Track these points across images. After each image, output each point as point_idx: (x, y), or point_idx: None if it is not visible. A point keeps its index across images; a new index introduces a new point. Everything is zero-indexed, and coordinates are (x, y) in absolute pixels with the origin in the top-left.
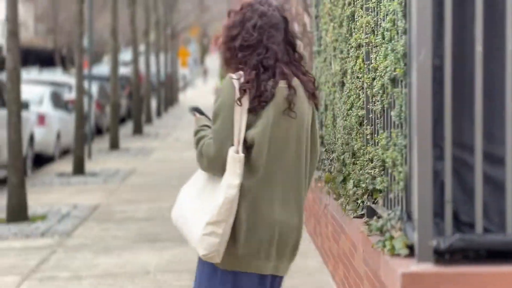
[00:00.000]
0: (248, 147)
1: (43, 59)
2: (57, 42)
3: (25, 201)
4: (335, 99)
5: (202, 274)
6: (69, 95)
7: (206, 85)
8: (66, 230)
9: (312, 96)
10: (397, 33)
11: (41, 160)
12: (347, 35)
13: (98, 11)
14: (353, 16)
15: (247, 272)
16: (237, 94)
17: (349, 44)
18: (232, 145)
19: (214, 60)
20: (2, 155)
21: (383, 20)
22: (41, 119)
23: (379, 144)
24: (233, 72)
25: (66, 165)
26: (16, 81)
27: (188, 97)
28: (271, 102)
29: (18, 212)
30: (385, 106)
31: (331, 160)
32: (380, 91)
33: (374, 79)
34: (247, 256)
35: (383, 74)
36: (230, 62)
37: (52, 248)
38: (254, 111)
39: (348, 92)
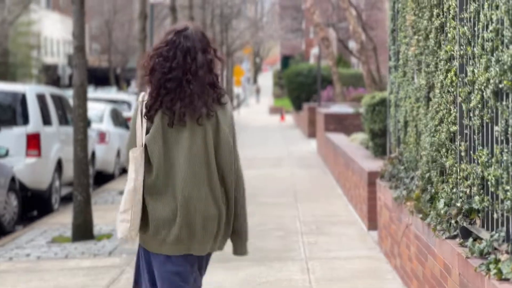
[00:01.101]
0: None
1: (97, 78)
2: (111, 61)
3: (91, 219)
4: (419, 115)
5: (137, 253)
6: (128, 113)
7: (259, 104)
8: (133, 249)
9: (208, 110)
10: (502, 43)
11: (101, 178)
12: (434, 48)
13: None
14: (442, 27)
15: (154, 253)
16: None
17: (437, 57)
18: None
19: (266, 79)
20: (67, 173)
21: (485, 30)
22: (102, 136)
23: (478, 161)
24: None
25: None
26: (83, 97)
27: (242, 116)
28: (159, 113)
29: (84, 231)
30: (486, 120)
31: (411, 178)
32: (479, 105)
33: (470, 92)
34: (151, 239)
35: (483, 87)
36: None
37: (121, 268)
38: (150, 120)
39: (436, 107)
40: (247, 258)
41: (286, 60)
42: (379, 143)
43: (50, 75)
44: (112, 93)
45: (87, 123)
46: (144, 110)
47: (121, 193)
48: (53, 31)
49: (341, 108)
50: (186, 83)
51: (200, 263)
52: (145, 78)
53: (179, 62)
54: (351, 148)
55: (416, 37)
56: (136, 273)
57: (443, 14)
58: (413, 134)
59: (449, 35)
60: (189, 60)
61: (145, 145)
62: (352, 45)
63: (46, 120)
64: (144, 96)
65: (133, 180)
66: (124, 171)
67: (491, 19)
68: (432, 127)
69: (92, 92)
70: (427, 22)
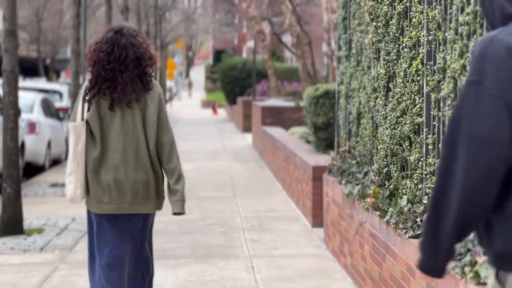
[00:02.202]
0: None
1: (26, 68)
2: (40, 51)
3: (21, 213)
4: (377, 106)
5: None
6: (60, 103)
7: (191, 98)
8: (66, 244)
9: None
10: (481, 26)
11: (31, 170)
12: (396, 35)
13: (88, 18)
14: (406, 13)
15: (96, 212)
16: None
17: (400, 45)
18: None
19: (198, 73)
20: None
21: (459, 13)
22: (32, 126)
23: None
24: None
25: (57, 175)
26: (13, 84)
27: (174, 109)
28: (97, 97)
29: (14, 225)
30: None
31: (365, 173)
32: (452, 95)
33: (440, 81)
34: (93, 201)
35: (457, 74)
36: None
37: (54, 265)
38: (89, 102)
39: (398, 98)
40: (188, 255)
41: (218, 55)
42: (322, 137)
43: None
44: (42, 82)
45: (18, 111)
46: (84, 94)
47: (53, 185)
48: None
49: (277, 102)
50: (119, 74)
51: (139, 224)
52: (87, 68)
53: (115, 56)
54: (291, 142)
55: (374, 23)
56: (90, 246)
57: None
58: (368, 127)
59: (414, 20)
60: (123, 54)
61: (87, 121)
62: (287, 39)
63: None
64: (87, 83)
65: (73, 146)
66: (55, 163)
67: (467, 0)
68: (392, 118)
69: (21, 82)
70: (387, 7)
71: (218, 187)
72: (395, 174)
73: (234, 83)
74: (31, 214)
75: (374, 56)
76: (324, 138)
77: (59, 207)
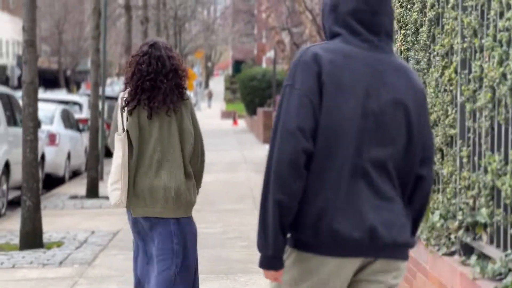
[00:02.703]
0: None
1: (47, 80)
2: (61, 63)
3: (41, 226)
4: None
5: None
6: (80, 115)
7: (210, 109)
8: (86, 258)
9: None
10: None
11: (50, 182)
12: (427, 42)
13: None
14: (438, 19)
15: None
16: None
17: (431, 53)
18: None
19: (218, 84)
20: (15, 176)
21: (498, 18)
22: (52, 138)
23: (487, 169)
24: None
25: (77, 187)
26: (33, 96)
27: None
28: (137, 108)
29: (33, 239)
30: (500, 122)
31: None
32: (489, 105)
33: (476, 90)
34: (132, 204)
35: (495, 83)
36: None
37: (73, 279)
38: (129, 113)
39: (429, 108)
40: (209, 270)
41: (238, 65)
42: None
43: None
44: (63, 94)
45: (37, 123)
46: (124, 105)
47: (72, 197)
48: (2, 32)
49: None
50: (159, 84)
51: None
52: (125, 82)
53: (154, 67)
54: None
55: (402, 31)
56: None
57: (439, 5)
58: None
59: (446, 27)
60: (160, 66)
61: (127, 130)
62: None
63: None
64: (124, 94)
65: (120, 157)
66: (74, 174)
67: (508, 4)
68: None
69: (42, 94)
70: (417, 14)
71: (239, 199)
72: None
73: (254, 93)
74: (50, 227)
75: None
76: None
77: (78, 219)
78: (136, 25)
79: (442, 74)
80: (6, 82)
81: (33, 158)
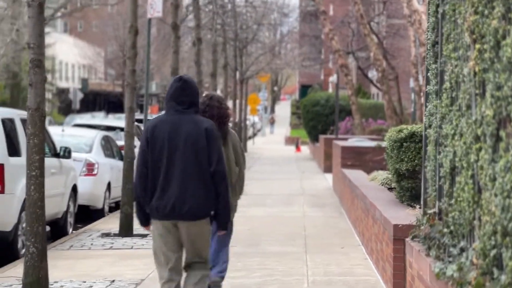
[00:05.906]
0: None
1: (111, 103)
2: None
3: (46, 276)
4: (480, 161)
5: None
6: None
7: (273, 135)
8: None
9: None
10: None
11: (88, 214)
12: (511, 60)
13: (164, 55)
14: None
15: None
16: None
17: None
18: None
19: (284, 108)
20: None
21: None
22: (90, 167)
23: None
24: None
25: (115, 221)
26: (39, 124)
27: (256, 145)
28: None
29: None
30: None
31: (461, 249)
32: None
33: None
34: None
35: None
36: None
37: None
38: None
39: None
40: None
41: (304, 89)
42: (406, 187)
43: (63, 99)
44: (110, 119)
45: (43, 154)
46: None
47: (104, 235)
48: (68, 56)
49: (360, 141)
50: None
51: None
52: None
53: (212, 112)
54: (371, 190)
55: (478, 46)
56: None
57: None
58: (467, 188)
59: None
60: (215, 111)
61: None
62: (372, 74)
63: (13, 150)
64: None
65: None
66: (117, 206)
67: None
68: (506, 182)
69: (101, 119)
70: (498, 21)
71: (288, 240)
72: (510, 263)
73: (316, 119)
74: (66, 274)
75: (477, 91)
76: (409, 187)
77: (102, 263)
78: (187, 44)
79: None
80: (69, 105)
81: (38, 198)
